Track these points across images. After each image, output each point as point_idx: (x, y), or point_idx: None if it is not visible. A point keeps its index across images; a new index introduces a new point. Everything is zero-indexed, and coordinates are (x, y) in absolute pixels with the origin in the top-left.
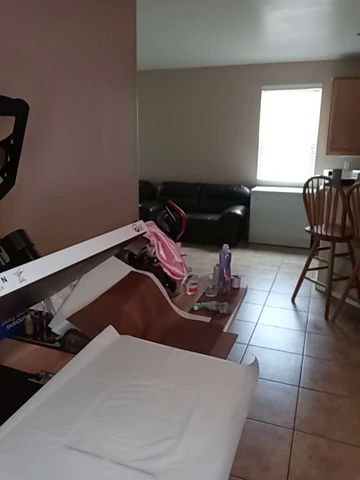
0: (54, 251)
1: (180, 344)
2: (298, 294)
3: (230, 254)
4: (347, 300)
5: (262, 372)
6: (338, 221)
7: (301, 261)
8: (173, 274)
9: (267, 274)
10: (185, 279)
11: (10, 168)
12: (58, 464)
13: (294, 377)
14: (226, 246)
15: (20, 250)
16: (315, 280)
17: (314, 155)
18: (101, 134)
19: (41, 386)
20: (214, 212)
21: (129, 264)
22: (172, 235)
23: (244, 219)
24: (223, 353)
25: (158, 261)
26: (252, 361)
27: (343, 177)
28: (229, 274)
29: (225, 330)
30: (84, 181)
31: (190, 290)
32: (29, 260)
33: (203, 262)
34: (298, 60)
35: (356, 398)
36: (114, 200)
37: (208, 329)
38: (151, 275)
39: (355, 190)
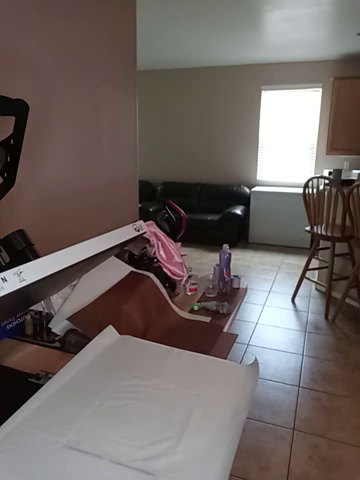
0: (54, 251)
1: (180, 344)
2: (298, 294)
3: (230, 254)
4: (347, 300)
5: (262, 372)
6: (338, 221)
7: (301, 261)
8: (173, 274)
9: (267, 274)
10: (185, 279)
11: (10, 168)
12: (58, 464)
13: (294, 377)
14: (226, 246)
15: (20, 250)
16: (315, 280)
17: (314, 155)
18: (101, 134)
19: (41, 386)
20: (214, 212)
21: (129, 264)
22: (172, 235)
23: (244, 219)
24: (223, 353)
25: (158, 261)
26: (252, 361)
27: (343, 177)
28: (229, 274)
29: (225, 330)
30: (84, 181)
31: (190, 290)
32: (29, 260)
33: (203, 262)
34: (298, 60)
35: (356, 398)
36: (114, 200)
37: (208, 329)
38: (151, 275)
39: (355, 190)
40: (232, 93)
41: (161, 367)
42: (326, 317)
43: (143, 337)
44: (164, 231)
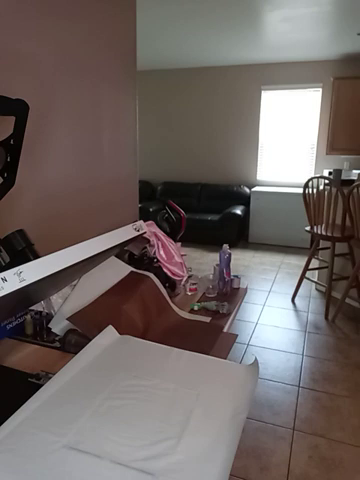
0: (54, 251)
1: (180, 344)
2: (298, 294)
3: (230, 254)
4: (347, 300)
5: (262, 372)
6: (338, 221)
7: (301, 261)
8: (173, 274)
9: (267, 274)
10: (185, 279)
11: (10, 168)
12: (58, 464)
13: (294, 377)
14: (226, 246)
15: (20, 250)
16: (315, 280)
17: (314, 155)
18: (101, 134)
19: (41, 386)
20: (214, 212)
21: (129, 264)
22: (172, 235)
23: (244, 219)
24: (223, 353)
25: (158, 261)
26: (252, 361)
27: (343, 177)
28: (229, 274)
29: (225, 330)
30: (84, 181)
31: (190, 290)
32: (29, 260)
33: (203, 262)
34: (298, 60)
35: (356, 398)
36: (114, 200)
37: (208, 329)
38: (151, 275)
39: (355, 190)
40: (232, 93)
41: (161, 367)
42: (326, 317)
43: (143, 337)
44: (164, 231)
